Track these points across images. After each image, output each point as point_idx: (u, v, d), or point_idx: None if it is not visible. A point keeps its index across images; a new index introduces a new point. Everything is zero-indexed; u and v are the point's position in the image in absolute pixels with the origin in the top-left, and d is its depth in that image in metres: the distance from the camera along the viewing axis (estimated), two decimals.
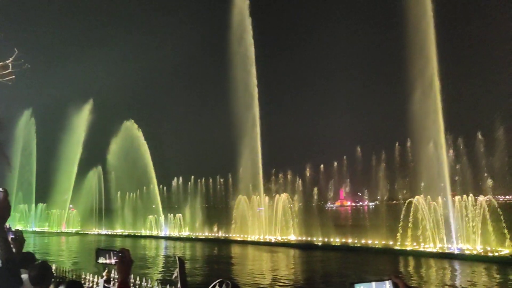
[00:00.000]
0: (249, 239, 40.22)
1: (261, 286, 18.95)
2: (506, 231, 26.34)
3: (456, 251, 27.00)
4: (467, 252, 26.59)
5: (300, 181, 48.25)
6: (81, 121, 68.14)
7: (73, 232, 61.77)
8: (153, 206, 57.14)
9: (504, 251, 25.51)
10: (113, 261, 3.37)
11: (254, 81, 45.74)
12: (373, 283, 2.10)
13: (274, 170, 48.13)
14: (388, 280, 2.11)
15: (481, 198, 28.46)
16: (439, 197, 30.06)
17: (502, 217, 26.90)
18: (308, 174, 50.14)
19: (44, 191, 73.44)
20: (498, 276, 20.86)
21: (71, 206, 68.88)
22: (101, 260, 3.44)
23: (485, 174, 33.41)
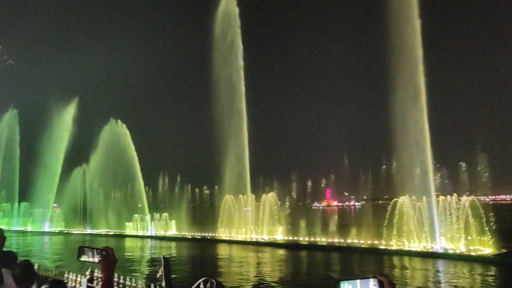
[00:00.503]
0: (235, 239, 40.17)
1: (245, 285, 18.93)
2: (488, 230, 26.86)
3: (440, 251, 27.39)
4: (450, 251, 26.99)
5: (287, 181, 48.42)
6: (66, 119, 67.19)
7: (57, 231, 60.87)
8: (139, 205, 56.67)
9: (486, 251, 25.98)
10: (96, 260, 3.31)
11: (241, 74, 45.76)
12: (358, 281, 2.11)
13: (261, 169, 48.16)
14: (373, 277, 2.12)
15: (464, 198, 28.95)
16: (424, 197, 30.46)
17: (484, 217, 27.43)
18: (295, 174, 50.32)
19: (27, 190, 72.24)
20: (479, 275, 21.22)
21: (55, 205, 67.85)
22: (84, 258, 3.37)
23: (469, 175, 33.88)
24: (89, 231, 58.11)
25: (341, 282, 2.09)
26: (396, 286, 2.10)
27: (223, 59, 47.02)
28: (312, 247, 33.17)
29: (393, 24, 33.56)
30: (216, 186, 47.82)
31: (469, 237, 27.42)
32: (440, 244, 28.23)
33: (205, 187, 60.38)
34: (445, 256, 26.12)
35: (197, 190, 60.69)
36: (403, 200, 30.62)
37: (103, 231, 56.10)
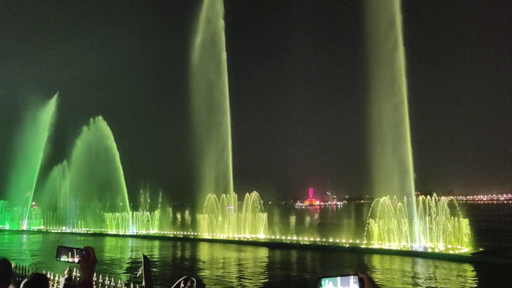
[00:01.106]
0: (218, 238, 40.08)
1: (227, 284, 18.91)
2: (466, 229, 27.47)
3: (420, 249, 27.86)
4: (429, 250, 27.47)
5: (270, 180, 48.53)
6: (46, 115, 65.92)
7: (35, 230, 59.68)
8: (120, 204, 56.00)
9: (464, 249, 26.55)
10: (75, 260, 3.25)
11: (225, 81, 45.72)
12: (339, 278, 2.14)
13: (245, 168, 48.20)
14: (354, 275, 2.15)
15: (443, 198, 29.55)
16: (404, 196, 30.95)
17: (462, 217, 28.07)
18: (278, 173, 50.40)
19: (5, 188, 70.55)
20: (457, 273, 21.65)
21: (33, 203, 66.49)
22: (63, 258, 3.31)
23: (449, 175, 34.61)
24: (68, 230, 57.13)
25: (322, 279, 2.14)
26: (377, 284, 2.13)
27: (205, 60, 47.12)
28: (294, 246, 33.33)
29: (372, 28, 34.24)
30: (199, 185, 47.58)
31: (448, 236, 28.00)
32: (420, 243, 28.73)
33: (188, 185, 59.97)
34: (424, 255, 26.56)
35: (179, 188, 60.22)
36: (384, 200, 31.05)
37: (83, 230, 55.27)
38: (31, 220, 63.79)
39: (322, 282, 2.13)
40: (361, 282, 2.14)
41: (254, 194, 41.20)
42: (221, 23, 46.25)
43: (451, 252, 26.36)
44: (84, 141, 60.07)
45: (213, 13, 46.62)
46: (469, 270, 22.43)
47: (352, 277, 2.14)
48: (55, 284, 9.13)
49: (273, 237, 37.72)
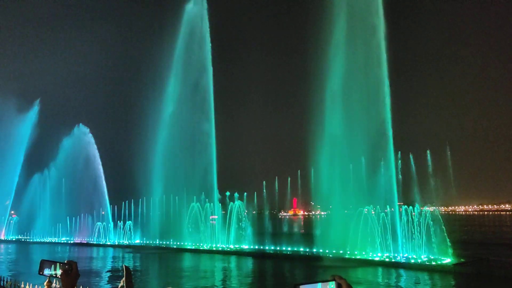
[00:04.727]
0: (201, 248, 39.69)
1: None
2: (447, 240, 27.78)
3: (402, 260, 28.05)
4: (412, 261, 27.67)
5: (254, 190, 48.33)
6: (25, 122, 64.70)
7: (13, 240, 58.21)
8: (103, 213, 55.07)
9: (446, 260, 26.82)
10: (58, 273, 3.20)
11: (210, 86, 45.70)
12: (317, 284, 2.14)
13: (228, 178, 48.00)
14: (332, 280, 2.15)
15: (425, 208, 29.88)
16: (387, 206, 31.23)
17: (444, 227, 28.39)
18: (261, 183, 50.37)
19: None
20: (439, 284, 21.87)
21: (12, 212, 64.87)
22: (46, 271, 3.26)
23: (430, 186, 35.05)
24: (48, 239, 55.84)
25: (301, 286, 2.11)
26: None
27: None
28: (277, 256, 33.22)
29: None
30: (183, 195, 47.11)
31: (430, 247, 28.27)
32: (402, 254, 28.94)
33: (171, 194, 59.28)
34: (407, 266, 26.73)
35: (163, 198, 59.51)
36: (367, 210, 31.26)
37: (63, 239, 54.11)
38: (9, 229, 62.18)
39: None
40: (339, 287, 2.15)
41: (238, 203, 40.90)
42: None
43: (433, 262, 26.59)
44: (65, 149, 59.08)
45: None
46: (451, 281, 22.68)
47: (330, 282, 2.15)
48: None
49: (256, 246, 37.50)
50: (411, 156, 33.96)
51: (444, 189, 34.93)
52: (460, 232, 52.01)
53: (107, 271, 28.19)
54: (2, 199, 64.42)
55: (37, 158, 65.22)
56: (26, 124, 64.41)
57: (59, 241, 53.49)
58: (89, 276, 24.12)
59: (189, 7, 47.81)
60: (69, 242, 52.17)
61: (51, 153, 61.12)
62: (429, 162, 34.40)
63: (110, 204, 55.28)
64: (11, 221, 63.16)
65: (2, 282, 10.75)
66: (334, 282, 2.15)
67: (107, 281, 23.52)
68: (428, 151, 35.10)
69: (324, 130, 35.55)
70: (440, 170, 35.41)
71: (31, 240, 56.04)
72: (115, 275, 24.89)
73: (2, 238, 60.12)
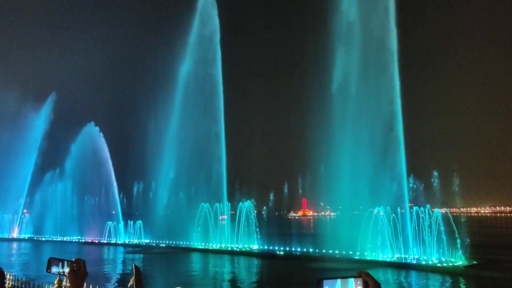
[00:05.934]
0: (210, 247, 39.73)
1: None
2: (459, 242, 27.42)
3: (413, 261, 27.76)
4: (423, 262, 27.38)
5: (264, 190, 48.31)
6: (38, 122, 65.42)
7: (26, 238, 58.88)
8: (113, 212, 55.44)
9: (458, 262, 26.48)
10: (66, 271, 3.19)
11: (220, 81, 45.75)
12: (339, 280, 2.08)
13: (238, 178, 47.98)
14: (359, 277, 2.10)
15: (437, 210, 29.51)
16: (398, 208, 30.94)
17: (455, 229, 28.02)
18: (272, 183, 50.26)
19: None
20: (450, 286, 21.61)
21: (25, 210, 65.64)
22: (54, 269, 3.26)
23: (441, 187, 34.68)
24: (59, 238, 56.36)
25: (325, 280, 2.07)
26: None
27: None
28: (287, 257, 33.10)
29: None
30: (193, 194, 47.19)
31: (441, 248, 27.93)
32: (413, 255, 28.66)
33: (180, 194, 59.46)
34: (417, 267, 26.46)
35: (172, 197, 59.68)
36: (378, 211, 31.00)
37: (74, 238, 54.59)
38: (21, 228, 62.94)
39: (324, 284, 2.07)
40: (365, 284, 2.08)
41: (248, 203, 40.83)
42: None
43: (444, 264, 26.28)
44: (77, 148, 59.59)
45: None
46: (463, 283, 22.39)
47: (357, 279, 2.08)
48: None
49: (266, 247, 37.41)
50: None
51: (456, 190, 34.51)
52: (472, 234, 51.28)
53: (116, 270, 28.39)
54: (14, 198, 65.23)
55: (48, 157, 65.82)
56: (39, 123, 65.02)
57: (71, 240, 53.94)
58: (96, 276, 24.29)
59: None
60: (80, 240, 52.60)
61: (63, 151, 61.71)
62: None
63: (120, 203, 55.69)
64: (24, 220, 63.92)
65: (16, 280, 10.85)
66: (360, 279, 2.07)
67: (116, 279, 23.68)
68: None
69: (334, 130, 35.40)
70: (451, 171, 35.01)
71: (43, 239, 56.60)
72: (122, 274, 25.03)
73: (15, 236, 60.87)
